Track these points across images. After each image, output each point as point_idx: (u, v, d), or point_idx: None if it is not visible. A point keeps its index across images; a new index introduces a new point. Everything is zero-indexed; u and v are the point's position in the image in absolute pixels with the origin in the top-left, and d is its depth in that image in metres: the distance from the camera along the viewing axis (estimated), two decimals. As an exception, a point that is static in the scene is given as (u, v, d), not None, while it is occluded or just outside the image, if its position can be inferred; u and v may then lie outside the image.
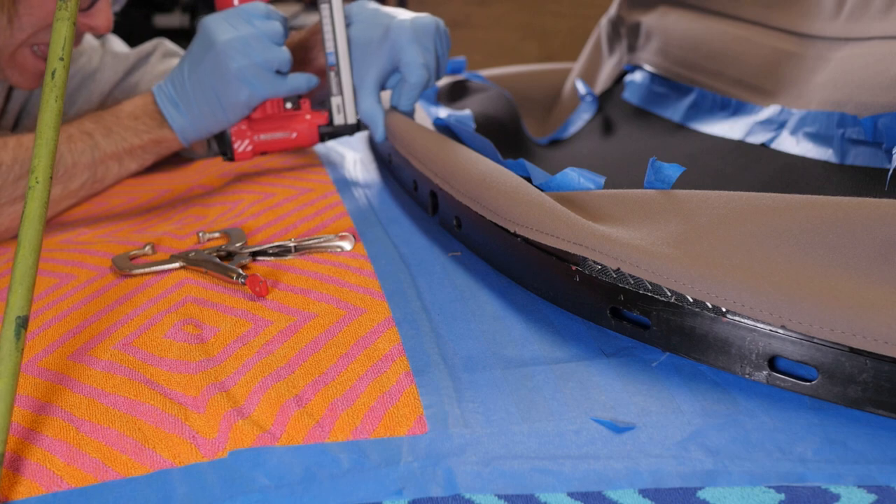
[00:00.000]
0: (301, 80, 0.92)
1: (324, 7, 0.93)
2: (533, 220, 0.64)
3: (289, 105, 0.95)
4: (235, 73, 0.87)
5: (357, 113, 0.97)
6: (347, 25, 0.95)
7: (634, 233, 0.61)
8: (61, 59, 0.62)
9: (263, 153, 0.97)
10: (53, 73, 0.62)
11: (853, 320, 0.49)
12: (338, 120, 0.96)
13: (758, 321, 0.52)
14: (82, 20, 0.93)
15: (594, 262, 0.59)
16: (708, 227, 0.60)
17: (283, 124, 0.96)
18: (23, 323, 0.54)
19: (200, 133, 0.92)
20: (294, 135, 0.96)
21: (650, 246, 0.58)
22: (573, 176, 0.72)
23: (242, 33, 0.87)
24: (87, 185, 0.91)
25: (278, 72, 0.91)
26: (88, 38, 1.10)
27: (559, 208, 0.63)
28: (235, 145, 0.95)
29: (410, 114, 0.96)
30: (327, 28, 0.93)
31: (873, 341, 0.49)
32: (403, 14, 0.95)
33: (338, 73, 0.95)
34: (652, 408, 0.53)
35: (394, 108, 0.96)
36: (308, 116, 0.96)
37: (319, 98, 1.04)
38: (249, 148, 0.95)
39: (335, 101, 0.96)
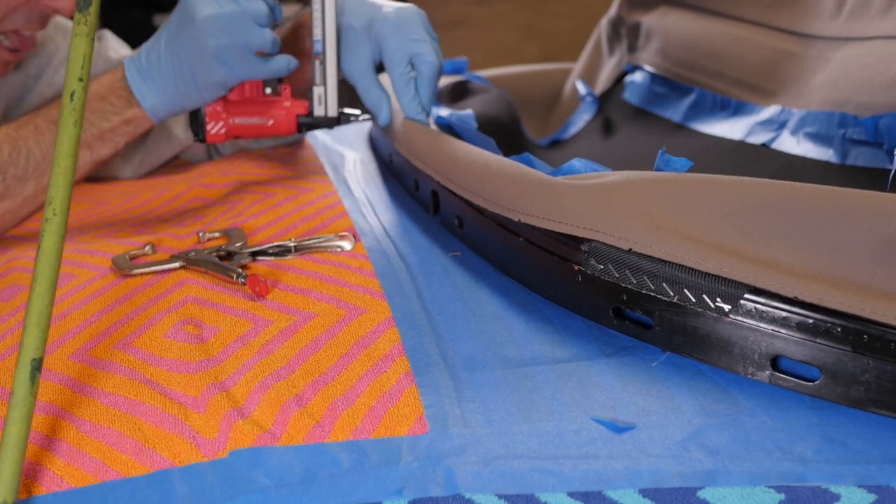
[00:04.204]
0: (281, 63, 0.88)
1: None
2: (538, 207, 0.63)
3: (268, 90, 0.91)
4: (213, 51, 0.84)
5: (340, 106, 0.93)
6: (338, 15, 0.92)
7: (644, 214, 0.59)
8: (80, 79, 0.58)
9: (237, 137, 0.93)
10: (72, 95, 0.57)
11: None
12: (318, 111, 0.92)
13: (760, 321, 0.52)
14: (46, 2, 0.90)
15: (596, 261, 0.59)
16: (730, 212, 0.59)
17: (261, 110, 0.91)
18: (38, 366, 0.52)
19: (173, 110, 0.89)
20: (271, 122, 0.92)
21: (663, 225, 0.57)
22: (578, 167, 0.71)
23: (225, 11, 0.84)
24: None
25: (261, 54, 0.87)
26: None
27: (564, 191, 0.62)
28: (209, 127, 0.90)
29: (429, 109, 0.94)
30: (317, 15, 0.90)
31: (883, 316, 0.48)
32: (387, 5, 0.92)
33: (323, 63, 0.91)
34: (652, 408, 0.53)
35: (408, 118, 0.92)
36: (287, 104, 0.92)
37: (303, 88, 1.01)
38: (223, 131, 0.91)
39: (317, 91, 0.92)
